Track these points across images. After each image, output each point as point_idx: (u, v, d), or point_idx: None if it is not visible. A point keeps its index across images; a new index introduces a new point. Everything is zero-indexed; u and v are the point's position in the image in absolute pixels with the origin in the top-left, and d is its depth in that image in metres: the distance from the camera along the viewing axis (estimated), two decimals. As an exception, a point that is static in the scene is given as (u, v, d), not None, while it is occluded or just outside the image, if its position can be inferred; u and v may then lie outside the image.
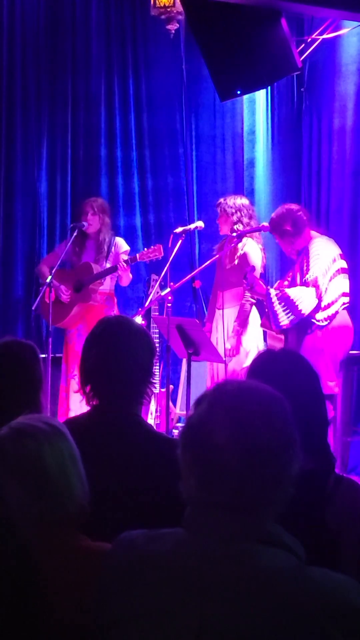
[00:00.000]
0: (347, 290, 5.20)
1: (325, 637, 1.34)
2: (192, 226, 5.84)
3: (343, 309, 5.19)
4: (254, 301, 5.57)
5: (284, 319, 5.09)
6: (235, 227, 5.65)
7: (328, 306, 5.13)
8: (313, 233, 5.29)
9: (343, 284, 5.18)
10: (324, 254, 5.15)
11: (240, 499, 1.41)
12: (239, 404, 1.45)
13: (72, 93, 7.26)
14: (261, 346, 5.64)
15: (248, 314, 5.61)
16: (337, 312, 5.15)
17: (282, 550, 1.42)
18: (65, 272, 6.22)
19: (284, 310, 5.08)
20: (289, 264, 5.72)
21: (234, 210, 5.69)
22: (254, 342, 5.64)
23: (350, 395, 5.74)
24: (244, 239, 5.66)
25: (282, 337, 5.30)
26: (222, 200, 5.83)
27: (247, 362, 5.53)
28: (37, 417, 1.99)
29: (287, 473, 1.44)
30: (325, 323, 5.13)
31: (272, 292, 5.12)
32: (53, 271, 5.93)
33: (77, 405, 5.67)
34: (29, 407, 2.49)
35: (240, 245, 5.65)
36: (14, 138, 7.09)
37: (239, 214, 5.68)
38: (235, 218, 5.67)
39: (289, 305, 5.07)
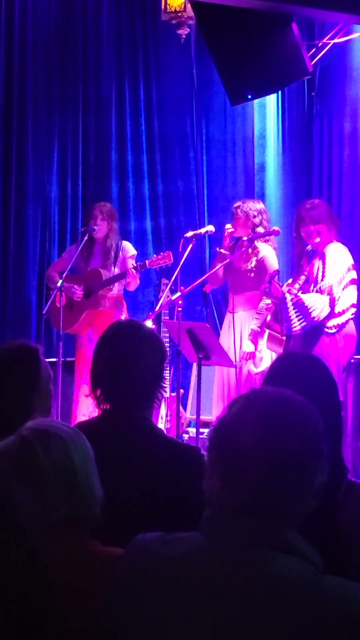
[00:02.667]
0: (355, 301, 5.21)
1: None
2: (202, 230, 5.84)
3: (351, 319, 5.21)
4: (271, 305, 5.54)
5: (296, 325, 5.08)
6: (256, 229, 5.65)
7: (339, 314, 5.13)
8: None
9: (353, 295, 5.19)
10: (341, 261, 5.15)
11: (259, 504, 1.41)
12: (272, 410, 1.45)
13: (83, 98, 7.28)
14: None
15: (265, 318, 5.59)
16: (347, 322, 5.16)
17: (299, 559, 1.41)
18: (74, 278, 6.22)
19: (297, 316, 5.07)
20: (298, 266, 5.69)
21: (256, 213, 5.67)
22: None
23: (361, 400, 5.72)
24: (261, 244, 5.65)
25: (284, 339, 5.28)
26: (240, 203, 5.79)
27: (262, 367, 5.53)
28: (48, 420, 1.99)
29: (309, 484, 1.43)
30: (334, 331, 5.13)
31: (288, 297, 5.10)
32: (64, 275, 5.93)
33: (88, 410, 5.67)
34: (22, 411, 2.49)
35: (260, 248, 5.64)
36: (25, 143, 7.11)
37: (260, 217, 5.68)
38: (257, 221, 5.66)
39: (303, 311, 5.06)
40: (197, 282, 5.68)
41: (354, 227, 6.54)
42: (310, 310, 5.05)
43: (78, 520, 1.80)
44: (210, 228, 5.81)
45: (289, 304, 5.08)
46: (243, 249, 5.60)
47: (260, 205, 5.79)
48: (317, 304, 5.06)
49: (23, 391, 2.65)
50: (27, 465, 1.77)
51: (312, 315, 5.05)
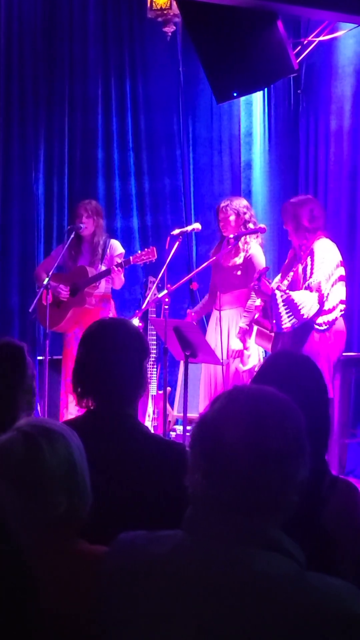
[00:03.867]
0: (344, 298, 5.22)
1: None
2: (189, 228, 5.83)
3: (340, 315, 5.22)
4: (260, 303, 5.54)
5: (286, 322, 5.09)
6: (248, 225, 5.65)
7: (329, 311, 5.14)
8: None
9: (342, 291, 5.21)
10: (329, 258, 5.15)
11: (242, 499, 1.41)
12: (255, 405, 1.46)
13: (69, 95, 7.27)
14: (262, 349, 5.64)
15: (254, 316, 5.60)
16: (336, 319, 5.17)
17: (283, 556, 1.42)
18: (61, 276, 6.21)
19: (287, 313, 5.08)
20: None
21: (245, 210, 5.69)
22: (255, 344, 5.63)
23: (348, 397, 5.73)
24: (250, 241, 5.66)
25: (272, 335, 5.29)
26: (228, 201, 5.77)
27: (250, 364, 5.53)
28: (40, 418, 1.98)
29: (292, 480, 1.44)
30: (324, 327, 5.14)
31: (278, 293, 5.11)
32: (50, 273, 5.91)
33: (75, 409, 5.66)
34: (9, 409, 2.49)
35: (251, 244, 5.64)
36: (11, 140, 7.09)
37: (249, 212, 5.70)
38: (247, 217, 5.67)
39: (292, 308, 5.07)
40: (184, 279, 5.68)
41: (340, 224, 6.56)
42: (299, 308, 5.06)
43: (73, 518, 1.80)
44: (197, 226, 5.81)
45: (279, 300, 5.08)
46: (230, 246, 5.61)
47: (245, 202, 5.82)
48: (306, 301, 5.07)
49: (9, 389, 2.65)
50: (33, 462, 1.76)
51: (301, 313, 5.06)
